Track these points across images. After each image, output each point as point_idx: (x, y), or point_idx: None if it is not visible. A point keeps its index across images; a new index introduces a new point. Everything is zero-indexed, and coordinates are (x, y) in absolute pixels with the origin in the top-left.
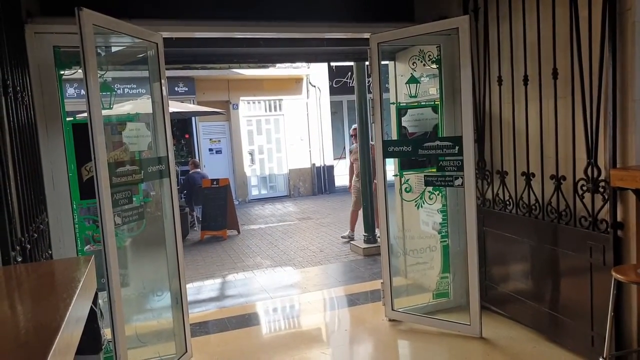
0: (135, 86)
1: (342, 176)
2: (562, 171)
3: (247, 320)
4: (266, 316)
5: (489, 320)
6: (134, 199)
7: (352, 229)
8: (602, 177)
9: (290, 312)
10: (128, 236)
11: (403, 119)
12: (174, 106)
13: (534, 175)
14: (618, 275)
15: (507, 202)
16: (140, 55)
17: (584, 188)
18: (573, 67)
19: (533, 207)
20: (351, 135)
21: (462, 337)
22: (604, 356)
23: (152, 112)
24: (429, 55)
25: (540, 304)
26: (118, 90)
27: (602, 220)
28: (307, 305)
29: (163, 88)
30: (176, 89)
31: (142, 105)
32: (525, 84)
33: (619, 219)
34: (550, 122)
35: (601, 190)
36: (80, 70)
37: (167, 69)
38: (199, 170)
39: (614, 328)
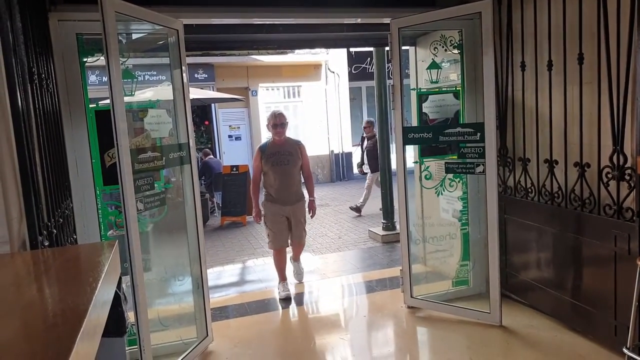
0: (156, 73)
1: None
2: (587, 158)
3: (266, 305)
4: (285, 302)
5: (509, 308)
6: (156, 185)
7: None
8: (628, 164)
9: (309, 298)
10: (150, 222)
11: (424, 105)
12: (194, 93)
13: (557, 162)
14: None
15: (529, 190)
16: (161, 42)
17: (609, 176)
18: (600, 52)
19: (556, 195)
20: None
21: (481, 325)
22: (628, 346)
23: (172, 98)
24: (451, 40)
25: (562, 293)
26: (139, 77)
27: (628, 209)
28: (326, 291)
29: (184, 75)
30: (196, 75)
31: (163, 92)
32: (550, 70)
33: None
34: (574, 108)
35: (627, 178)
36: (102, 58)
37: (187, 56)
38: (212, 156)
39: (638, 318)
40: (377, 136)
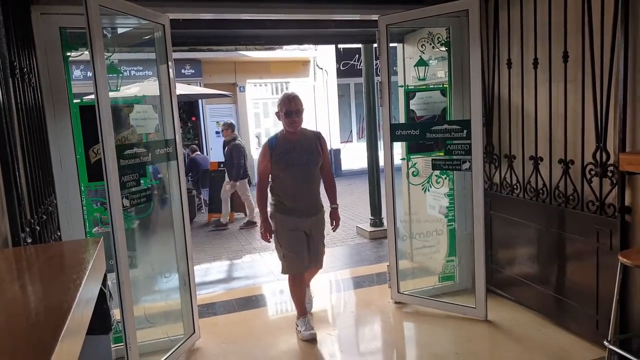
0: (142, 68)
1: (348, 159)
2: (571, 155)
3: (254, 301)
4: (273, 298)
5: (495, 303)
6: (142, 181)
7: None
8: (611, 161)
9: None
10: (136, 218)
11: (411, 102)
12: (181, 88)
13: (542, 159)
14: (624, 260)
15: (515, 186)
16: (147, 37)
17: (592, 172)
18: (584, 50)
19: (540, 191)
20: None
21: (467, 319)
22: (609, 339)
23: (159, 94)
24: (438, 37)
25: (546, 288)
26: (125, 72)
27: (610, 205)
28: (313, 287)
29: (170, 70)
30: (183, 71)
31: (149, 87)
32: (535, 68)
33: (626, 203)
34: (559, 105)
35: (609, 174)
36: (86, 52)
37: (173, 51)
38: (198, 153)
39: (619, 312)
40: (238, 140)
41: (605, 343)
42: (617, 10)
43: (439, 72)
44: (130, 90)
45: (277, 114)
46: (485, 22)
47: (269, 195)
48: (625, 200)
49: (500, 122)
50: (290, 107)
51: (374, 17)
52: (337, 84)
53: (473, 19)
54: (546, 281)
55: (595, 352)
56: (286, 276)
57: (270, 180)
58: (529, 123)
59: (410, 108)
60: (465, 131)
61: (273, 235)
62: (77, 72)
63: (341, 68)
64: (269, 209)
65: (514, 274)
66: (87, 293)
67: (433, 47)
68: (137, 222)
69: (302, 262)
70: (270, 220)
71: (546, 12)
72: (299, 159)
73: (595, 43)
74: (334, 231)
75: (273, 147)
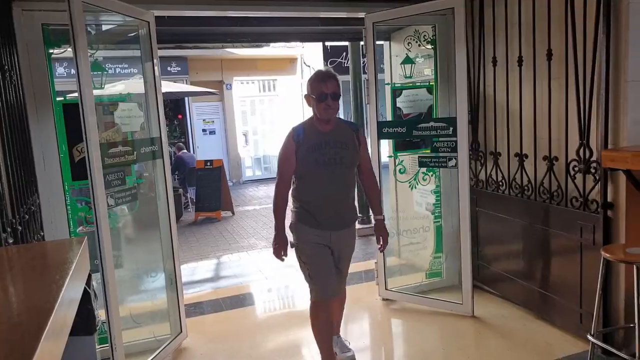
0: (127, 66)
1: None
2: (555, 152)
3: (242, 300)
4: (261, 296)
5: (481, 299)
6: (127, 180)
7: None
8: (594, 158)
9: (285, 293)
10: (121, 217)
11: (398, 100)
12: (167, 86)
13: (527, 156)
14: (607, 255)
15: (500, 183)
16: (132, 34)
17: (576, 169)
18: (567, 49)
19: (525, 187)
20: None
21: (454, 315)
22: (592, 333)
23: (144, 92)
24: (424, 35)
25: (531, 283)
26: (109, 70)
27: (593, 201)
28: (302, 285)
29: (155, 68)
30: (169, 68)
31: (134, 85)
32: (520, 65)
33: (609, 199)
34: (543, 103)
35: (592, 171)
36: (70, 49)
37: (159, 48)
38: (185, 151)
39: (602, 306)
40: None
41: (589, 337)
42: (599, 9)
43: (426, 70)
44: (115, 88)
45: (307, 97)
46: (470, 20)
47: (290, 200)
48: (608, 196)
49: (485, 120)
50: (324, 89)
51: (361, 14)
52: None
53: (459, 17)
54: (531, 276)
55: (579, 346)
56: (274, 275)
57: (293, 182)
58: (514, 120)
59: (397, 106)
60: (451, 128)
61: (295, 251)
62: (60, 70)
63: (328, 66)
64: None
65: (500, 270)
66: (70, 293)
67: (419, 45)
68: (123, 221)
69: (333, 282)
70: (290, 232)
71: (530, 10)
72: (332, 156)
73: (578, 42)
74: (381, 251)
75: (300, 139)
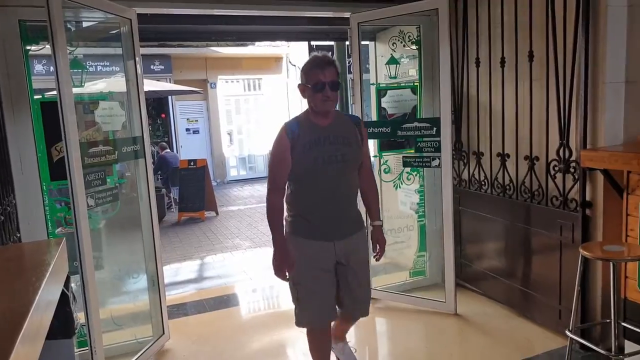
0: (108, 64)
1: None
2: (536, 152)
3: (226, 301)
4: (245, 297)
5: (464, 297)
6: (108, 180)
7: None
8: (573, 157)
9: (269, 293)
10: (102, 218)
11: (382, 100)
12: (150, 85)
13: (508, 156)
14: (585, 252)
15: (483, 183)
16: (114, 32)
17: (556, 168)
18: (548, 50)
19: (507, 187)
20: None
21: (437, 314)
22: (570, 329)
23: (126, 90)
24: (409, 36)
25: (513, 281)
26: (90, 68)
27: (572, 200)
28: (287, 285)
29: (137, 66)
30: (152, 67)
31: (116, 83)
32: (502, 66)
33: (587, 198)
34: (525, 103)
35: (572, 170)
36: (48, 46)
37: (142, 46)
38: (168, 150)
39: (580, 302)
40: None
41: (567, 332)
42: (578, 13)
43: (410, 70)
44: (96, 86)
45: (301, 87)
46: (454, 21)
47: (286, 210)
48: (587, 195)
49: (469, 120)
50: (321, 77)
51: (346, 14)
52: None
53: (443, 17)
54: (513, 274)
55: (558, 342)
56: (258, 275)
57: (288, 186)
58: (497, 121)
59: (382, 106)
60: (435, 129)
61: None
62: (39, 67)
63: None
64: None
65: (482, 268)
66: (47, 296)
67: (404, 46)
68: (104, 222)
69: (325, 309)
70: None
71: (512, 12)
72: (332, 153)
73: (559, 44)
74: (377, 260)
75: (294, 136)
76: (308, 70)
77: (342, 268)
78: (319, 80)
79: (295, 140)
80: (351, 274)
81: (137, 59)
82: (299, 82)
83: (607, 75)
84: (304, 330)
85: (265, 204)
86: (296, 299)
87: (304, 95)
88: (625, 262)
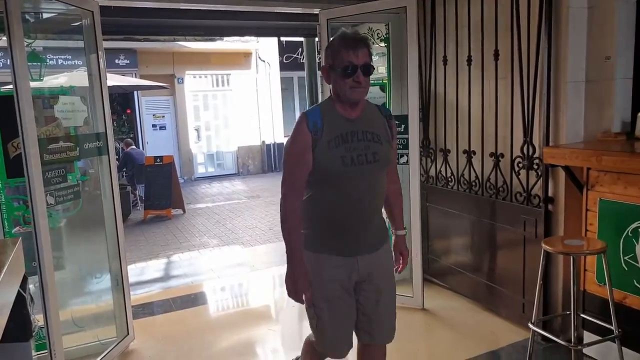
0: (70, 57)
1: None
2: (501, 149)
3: (193, 300)
4: (213, 295)
5: (431, 292)
6: (69, 177)
7: None
8: (537, 154)
9: (238, 291)
10: (63, 217)
11: None
12: (114, 79)
13: (474, 153)
14: (547, 247)
15: (449, 179)
16: (75, 24)
17: (520, 165)
18: (513, 49)
19: (473, 183)
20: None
21: (405, 308)
22: (532, 321)
23: (88, 85)
24: (378, 33)
25: (479, 276)
26: (51, 61)
27: (535, 196)
28: (255, 283)
29: (100, 60)
30: (117, 61)
31: (78, 77)
32: (469, 65)
33: (550, 194)
34: (491, 101)
35: (535, 167)
36: (4, 38)
37: (106, 40)
38: (134, 147)
39: (542, 295)
40: None
41: (530, 325)
42: (541, 14)
43: (379, 68)
44: (57, 80)
45: (324, 70)
46: (423, 19)
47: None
48: (549, 191)
49: (436, 117)
50: (353, 58)
51: (315, 11)
52: (281, 77)
53: (411, 15)
54: (478, 269)
55: (522, 334)
56: (226, 273)
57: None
58: (463, 118)
59: None
60: (403, 126)
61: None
62: None
63: (284, 61)
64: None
65: (449, 263)
66: (1, 298)
67: (373, 43)
68: (65, 221)
69: (345, 333)
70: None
71: (479, 12)
72: (361, 152)
73: (523, 43)
74: (398, 273)
75: (318, 129)
76: (335, 49)
77: (364, 286)
78: (350, 62)
79: (318, 134)
80: (375, 291)
81: (99, 52)
82: (323, 64)
83: (569, 75)
84: (274, 328)
85: (280, 210)
86: (316, 327)
87: (327, 80)
88: (584, 256)
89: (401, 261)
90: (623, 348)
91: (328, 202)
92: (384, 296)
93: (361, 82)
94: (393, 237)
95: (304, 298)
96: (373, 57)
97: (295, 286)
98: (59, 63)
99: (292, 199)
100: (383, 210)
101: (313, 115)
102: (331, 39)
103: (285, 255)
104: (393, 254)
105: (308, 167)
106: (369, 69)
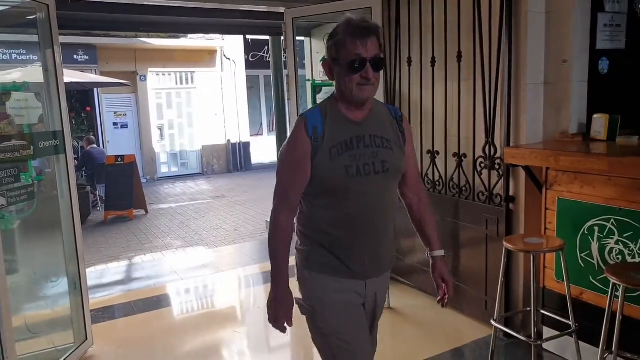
0: (24, 52)
1: (258, 153)
2: (464, 149)
3: (155, 303)
4: (177, 298)
5: (397, 290)
6: (23, 177)
7: None
8: (498, 155)
9: (202, 293)
10: (16, 218)
11: (318, 96)
12: (72, 76)
13: (438, 153)
14: (508, 245)
15: None
16: (30, 17)
17: (482, 165)
18: (475, 52)
19: (437, 183)
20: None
21: None
22: (494, 318)
23: (44, 81)
24: None
25: None
26: (3, 56)
27: (497, 195)
28: (220, 285)
29: (56, 55)
30: (75, 57)
31: (32, 73)
32: (433, 66)
33: (511, 193)
34: (454, 102)
35: (497, 167)
36: None
37: (63, 35)
38: (95, 146)
39: (503, 292)
40: None
41: (492, 322)
42: (502, 16)
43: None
44: (10, 75)
45: (326, 64)
46: (388, 20)
47: (296, 234)
48: (510, 190)
49: None
50: (361, 51)
51: (281, 9)
52: (246, 76)
53: (376, 16)
54: None
55: (485, 331)
56: (190, 275)
57: (302, 203)
58: (427, 119)
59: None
60: None
61: (307, 316)
62: None
63: (250, 59)
64: (293, 264)
65: (414, 262)
66: None
67: None
68: (18, 222)
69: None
70: (300, 286)
71: (442, 14)
72: (368, 160)
73: (485, 45)
74: (443, 307)
75: (318, 135)
76: (341, 40)
77: (366, 309)
78: (357, 54)
79: (318, 141)
80: (370, 317)
81: (55, 47)
82: (325, 56)
83: (528, 77)
84: (239, 330)
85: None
86: (333, 355)
87: (330, 76)
88: (543, 254)
89: (445, 290)
90: (580, 342)
91: (330, 217)
92: (376, 324)
93: (370, 79)
94: (430, 261)
95: (285, 328)
96: None
97: (276, 313)
98: (13, 58)
99: (284, 214)
100: (413, 228)
101: (312, 118)
102: (335, 26)
103: (270, 275)
104: (434, 282)
105: (305, 179)
106: (379, 62)
